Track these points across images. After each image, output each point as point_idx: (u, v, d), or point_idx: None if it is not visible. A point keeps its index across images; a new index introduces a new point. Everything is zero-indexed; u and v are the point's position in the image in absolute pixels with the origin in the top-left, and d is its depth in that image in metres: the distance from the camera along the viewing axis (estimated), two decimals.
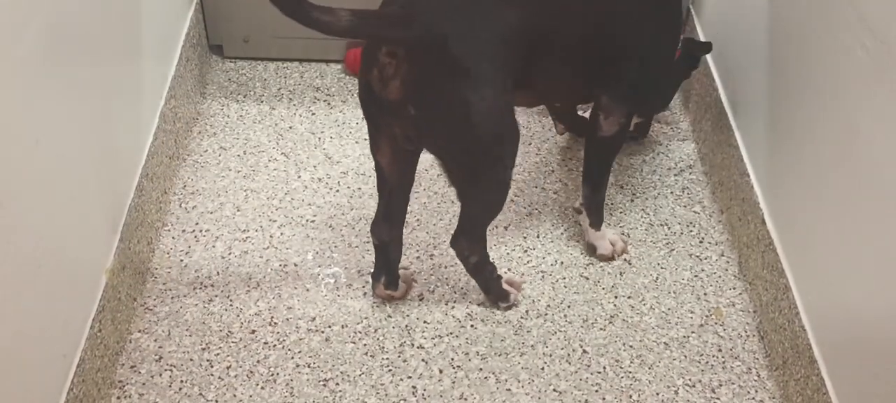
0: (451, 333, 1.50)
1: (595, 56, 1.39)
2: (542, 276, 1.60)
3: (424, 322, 1.51)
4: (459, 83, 1.19)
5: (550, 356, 1.47)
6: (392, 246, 1.48)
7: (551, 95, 1.61)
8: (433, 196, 1.75)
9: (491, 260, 1.49)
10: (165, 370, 1.42)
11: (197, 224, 1.68)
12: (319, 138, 1.88)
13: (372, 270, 1.54)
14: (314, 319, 1.51)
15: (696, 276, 1.62)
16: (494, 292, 1.51)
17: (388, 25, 1.17)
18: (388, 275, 1.51)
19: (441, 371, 1.44)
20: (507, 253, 1.64)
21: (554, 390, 1.42)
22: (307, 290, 1.56)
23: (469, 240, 1.43)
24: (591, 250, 1.64)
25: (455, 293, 1.56)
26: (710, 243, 1.68)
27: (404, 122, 1.24)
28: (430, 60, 1.18)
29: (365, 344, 1.47)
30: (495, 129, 1.26)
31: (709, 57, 1.85)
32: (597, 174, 1.58)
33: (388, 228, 1.45)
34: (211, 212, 1.70)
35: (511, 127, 1.29)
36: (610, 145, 1.53)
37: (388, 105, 1.22)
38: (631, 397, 1.41)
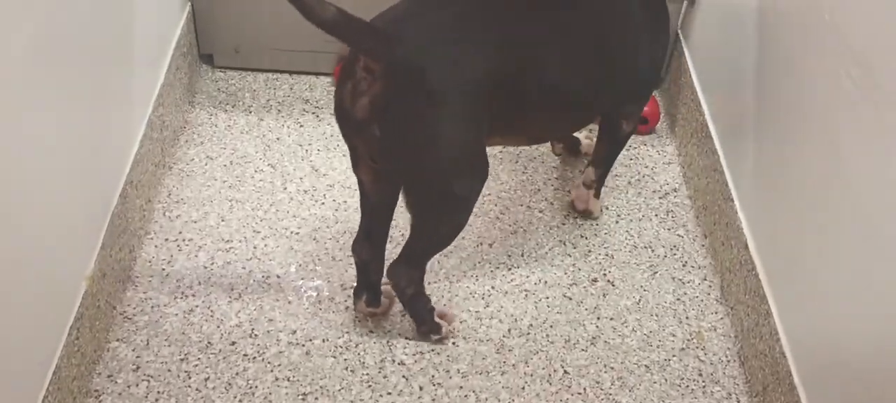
0: (432, 350, 1.49)
1: (605, 91, 1.46)
2: (526, 295, 1.60)
3: (406, 338, 1.51)
4: (431, 115, 1.18)
5: (531, 376, 1.46)
6: (372, 264, 1.47)
7: (549, 135, 1.71)
8: None
9: (426, 293, 1.47)
10: (143, 380, 1.41)
11: (180, 233, 1.67)
12: (307, 150, 1.88)
13: (354, 284, 1.54)
14: (295, 332, 1.50)
15: (678, 300, 1.62)
16: (427, 324, 1.49)
17: (372, 38, 1.14)
18: (369, 293, 1.50)
19: (421, 388, 1.43)
20: (491, 271, 1.64)
21: None
22: (289, 302, 1.55)
23: (409, 269, 1.41)
24: (585, 215, 1.76)
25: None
26: (693, 267, 1.68)
27: (368, 142, 1.22)
28: (404, 87, 1.16)
29: (345, 359, 1.47)
30: (462, 164, 1.25)
31: (696, 81, 1.86)
32: (610, 161, 1.70)
33: (368, 247, 1.44)
34: (195, 222, 1.70)
35: (479, 166, 1.28)
36: (628, 136, 1.65)
37: (356, 122, 1.21)
38: None
